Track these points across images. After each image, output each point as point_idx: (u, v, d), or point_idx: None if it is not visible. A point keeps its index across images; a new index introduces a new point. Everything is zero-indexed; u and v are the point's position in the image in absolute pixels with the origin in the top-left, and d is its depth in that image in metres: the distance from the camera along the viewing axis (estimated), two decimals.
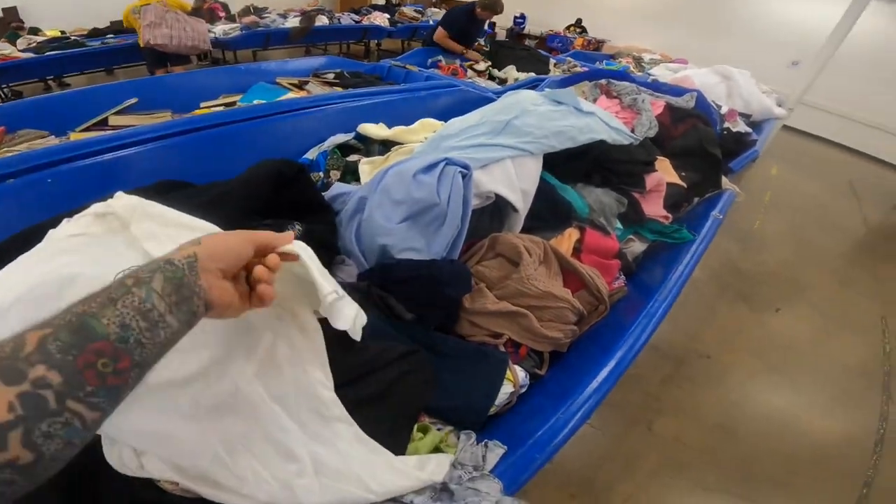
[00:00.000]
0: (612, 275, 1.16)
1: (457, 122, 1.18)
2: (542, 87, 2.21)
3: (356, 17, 5.92)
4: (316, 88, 2.50)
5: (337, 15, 5.91)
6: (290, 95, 2.31)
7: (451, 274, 0.81)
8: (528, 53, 3.44)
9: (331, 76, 2.75)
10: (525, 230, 1.07)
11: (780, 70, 6.22)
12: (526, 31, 6.66)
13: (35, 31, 4.64)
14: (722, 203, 1.64)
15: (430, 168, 0.85)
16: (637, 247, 1.40)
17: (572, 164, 1.25)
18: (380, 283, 0.75)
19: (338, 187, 1.00)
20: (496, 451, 0.72)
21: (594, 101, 1.83)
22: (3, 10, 5.36)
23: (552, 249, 1.02)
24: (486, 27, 3.86)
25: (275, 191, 0.80)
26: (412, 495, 0.63)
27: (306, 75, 2.75)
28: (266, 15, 5.45)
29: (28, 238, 0.78)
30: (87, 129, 1.85)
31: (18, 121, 1.97)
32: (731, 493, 1.52)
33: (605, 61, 4.13)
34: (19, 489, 0.28)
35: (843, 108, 6.63)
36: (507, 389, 0.82)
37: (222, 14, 5.26)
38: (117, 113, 1.97)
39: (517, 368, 0.86)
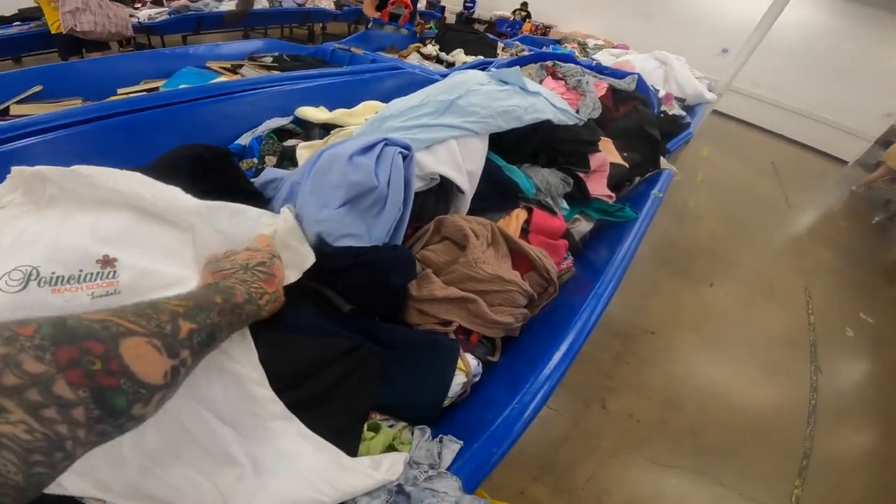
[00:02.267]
0: (561, 255, 1.16)
1: (399, 103, 1.13)
2: (490, 69, 2.19)
3: (299, 0, 5.62)
4: (250, 72, 2.34)
5: None
6: (222, 80, 2.14)
7: (394, 259, 0.77)
8: (476, 37, 3.42)
9: (268, 60, 2.59)
10: (472, 212, 1.04)
11: (711, 57, 6.60)
12: (476, 15, 6.63)
13: None
14: (661, 182, 1.69)
15: (367, 149, 0.79)
16: (583, 226, 1.42)
17: (518, 145, 1.23)
18: (316, 274, 0.70)
19: (269, 172, 0.92)
20: (452, 446, 0.69)
21: (540, 82, 1.83)
22: None
23: (500, 231, 0.99)
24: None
25: (193, 179, 0.72)
26: (366, 498, 0.59)
27: (241, 59, 2.57)
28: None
29: None
30: None
31: None
32: (685, 467, 1.61)
33: (551, 46, 4.19)
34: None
35: (766, 95, 7.16)
36: (459, 380, 0.79)
37: None
38: (20, 101, 1.74)
39: (469, 357, 0.83)
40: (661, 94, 2.57)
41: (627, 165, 1.62)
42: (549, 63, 1.93)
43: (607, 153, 1.56)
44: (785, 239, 3.81)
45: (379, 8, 3.50)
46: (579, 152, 1.39)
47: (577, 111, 1.66)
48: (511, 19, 6.18)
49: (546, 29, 6.08)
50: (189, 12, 4.66)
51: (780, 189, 4.98)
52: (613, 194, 1.50)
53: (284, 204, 0.77)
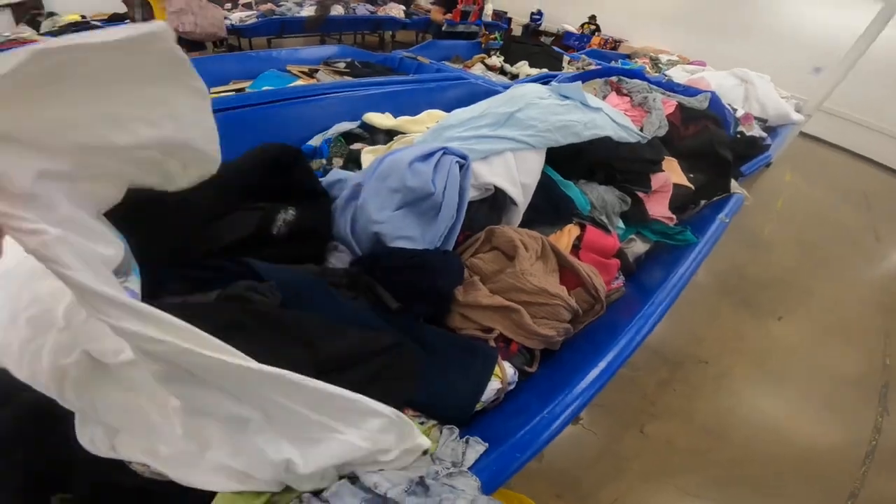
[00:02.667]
0: (612, 274, 1.14)
1: (459, 113, 1.17)
2: (553, 83, 2.19)
3: (371, 8, 5.91)
4: (326, 77, 2.50)
5: (352, 5, 5.89)
6: (300, 83, 2.31)
7: (443, 264, 0.80)
8: (542, 50, 3.41)
9: (341, 65, 2.74)
10: (524, 224, 1.06)
11: (801, 76, 6.08)
12: (542, 27, 6.59)
13: (51, 15, 4.69)
14: (729, 207, 1.61)
15: (426, 157, 0.83)
16: (639, 247, 1.37)
17: (576, 160, 1.23)
18: (370, 271, 0.75)
19: (335, 174, 1.00)
20: (476, 448, 0.71)
21: (604, 98, 1.80)
22: None
23: (550, 245, 1.00)
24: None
25: (270, 175, 0.80)
26: (387, 484, 0.62)
27: (317, 63, 2.75)
28: (282, 3, 5.46)
29: None
30: None
31: None
32: (718, 499, 1.51)
33: (620, 61, 4.08)
34: None
35: (861, 117, 6.48)
36: (494, 385, 0.80)
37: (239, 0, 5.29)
38: None
39: (506, 365, 0.84)
40: (740, 113, 2.42)
41: (693, 187, 1.55)
42: (614, 79, 1.89)
43: (671, 173, 1.51)
44: (868, 275, 3.43)
45: (447, 10, 3.58)
46: (640, 171, 1.35)
47: (642, 129, 1.61)
48: (579, 32, 6.07)
49: (616, 43, 5.90)
50: (274, 16, 5.04)
51: (869, 221, 4.49)
52: (674, 216, 1.44)
53: (347, 204, 0.83)
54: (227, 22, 4.24)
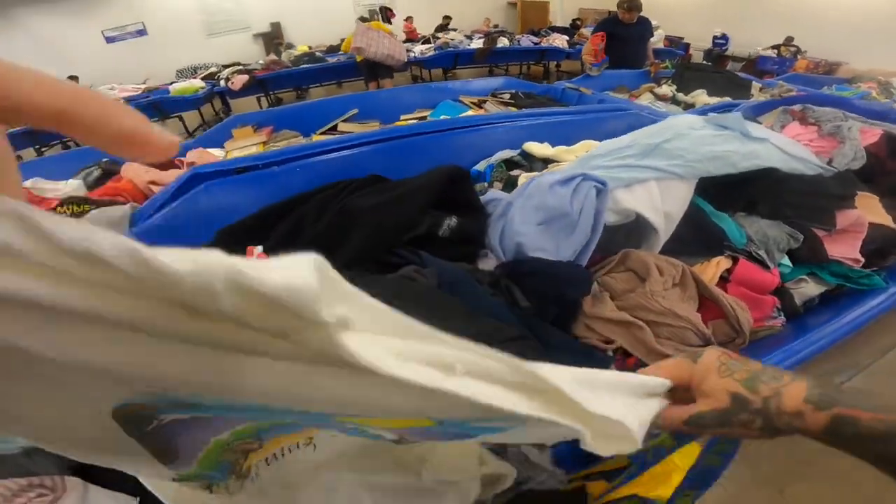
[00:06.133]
0: (765, 312, 1.08)
1: (608, 144, 1.26)
2: (736, 112, 2.04)
3: (535, 39, 6.20)
4: (492, 107, 2.79)
5: (517, 37, 6.28)
6: (470, 113, 2.64)
7: (572, 274, 0.92)
8: (724, 77, 3.14)
9: (506, 96, 3.02)
10: (669, 252, 1.08)
11: None
12: (729, 52, 5.94)
13: (290, 45, 6.01)
14: None
15: (567, 181, 0.97)
16: (810, 289, 1.22)
17: (733, 192, 1.19)
18: (509, 273, 0.91)
19: (492, 193, 1.21)
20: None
21: (782, 127, 1.64)
22: (271, 24, 7.04)
23: (691, 274, 1.02)
24: (644, 34, 3.67)
25: (444, 190, 1.04)
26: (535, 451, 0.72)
27: (485, 94, 3.08)
28: (453, 37, 6.17)
29: (277, 209, 1.17)
30: (323, 133, 2.48)
31: (281, 122, 2.74)
32: None
33: (835, 86, 3.46)
34: None
35: None
36: None
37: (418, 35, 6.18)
38: (344, 121, 2.57)
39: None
40: None
41: None
42: (797, 107, 1.70)
43: (868, 211, 1.30)
44: None
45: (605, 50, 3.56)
46: (821, 206, 1.22)
47: (831, 160, 1.43)
48: (777, 56, 5.27)
49: (831, 66, 4.91)
50: (448, 49, 5.73)
51: None
52: (862, 259, 1.24)
53: (499, 219, 1.02)
54: (411, 55, 5.00)
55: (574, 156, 1.55)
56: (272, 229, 1.02)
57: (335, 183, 1.28)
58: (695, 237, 1.14)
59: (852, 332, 1.04)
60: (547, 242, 0.95)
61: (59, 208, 1.53)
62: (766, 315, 1.09)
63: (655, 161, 1.08)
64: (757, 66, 5.08)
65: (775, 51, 5.33)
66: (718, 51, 5.93)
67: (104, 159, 2.22)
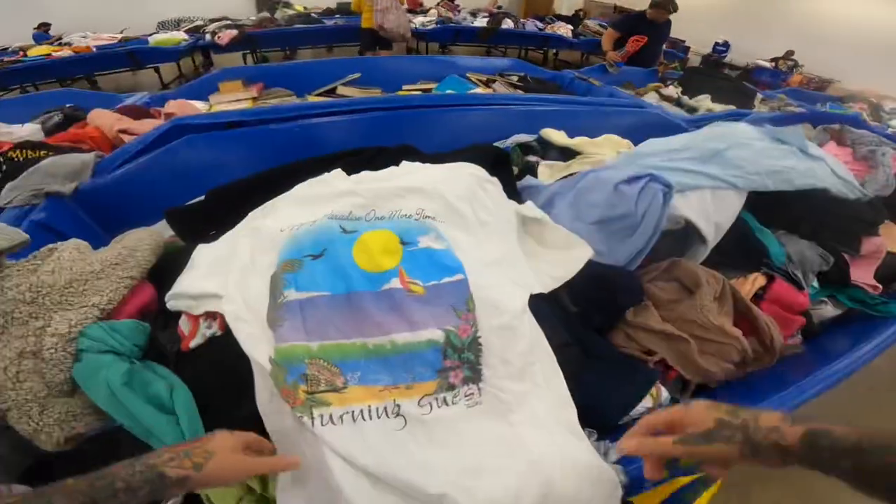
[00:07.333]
0: (792, 331, 1.07)
1: (657, 143, 1.16)
2: (746, 122, 2.00)
3: (540, 25, 6.02)
4: (501, 88, 2.65)
5: (522, 21, 6.07)
6: (479, 91, 2.49)
7: (627, 283, 0.83)
8: (729, 84, 3.12)
9: (514, 78, 2.88)
10: (706, 263, 1.02)
11: None
12: (727, 59, 5.96)
13: (287, 5, 5.55)
14: None
15: (632, 180, 0.86)
16: (828, 311, 1.23)
17: (779, 209, 1.13)
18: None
19: (528, 180, 1.09)
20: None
21: (819, 146, 1.61)
22: None
23: (731, 288, 0.97)
24: (664, 35, 3.60)
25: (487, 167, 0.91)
26: None
27: (493, 73, 2.93)
28: (459, 11, 5.89)
29: (288, 173, 1.02)
30: (320, 94, 2.26)
31: (272, 80, 2.50)
32: None
33: (829, 104, 3.51)
34: None
35: None
36: (646, 404, 0.83)
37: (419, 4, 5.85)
38: (344, 84, 2.36)
39: (663, 388, 0.86)
40: None
41: None
42: (836, 126, 1.66)
43: (888, 239, 1.31)
44: None
45: (617, 45, 3.47)
46: (853, 231, 1.19)
47: (863, 184, 1.41)
48: (773, 68, 5.33)
49: (823, 83, 4.99)
50: (451, 24, 5.47)
51: None
52: (879, 285, 1.25)
53: (544, 208, 0.91)
54: (411, 25, 4.72)
55: (602, 149, 1.45)
56: (274, 193, 0.86)
57: (360, 149, 1.13)
58: (735, 250, 1.08)
59: (874, 358, 1.04)
60: (599, 244, 0.85)
61: (11, 153, 1.34)
62: (790, 334, 1.07)
63: (713, 169, 0.99)
64: (752, 76, 5.12)
65: (773, 63, 5.39)
66: (717, 57, 5.93)
67: (68, 105, 1.98)
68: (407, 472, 0.56)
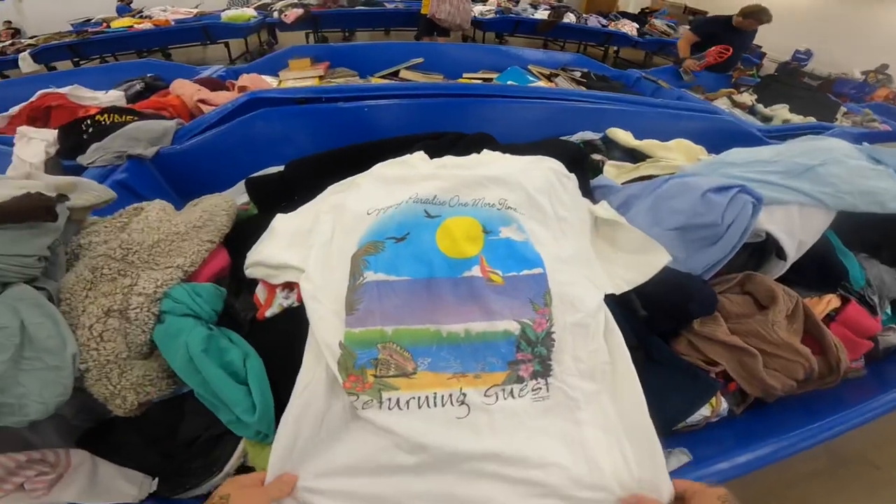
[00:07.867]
0: (858, 355, 1.03)
1: (741, 153, 1.10)
2: (825, 135, 1.86)
3: (603, 21, 5.78)
4: (564, 83, 2.59)
5: (584, 16, 5.87)
6: (541, 84, 2.44)
7: (701, 292, 0.82)
8: (810, 94, 2.91)
9: (577, 74, 2.80)
10: (781, 280, 0.98)
11: None
12: (807, 68, 5.53)
13: None
14: None
15: (721, 190, 0.83)
16: (893, 338, 1.15)
17: (863, 231, 1.07)
18: None
19: (602, 179, 1.06)
20: (680, 457, 0.73)
21: None
22: None
23: (804, 308, 0.93)
24: (748, 44, 3.37)
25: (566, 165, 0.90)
26: None
27: (555, 68, 2.86)
28: (518, 2, 5.75)
29: (368, 151, 1.04)
30: (383, 76, 2.29)
31: (337, 59, 2.55)
32: None
33: None
34: None
35: None
36: (704, 412, 0.82)
37: None
38: (407, 68, 2.38)
39: (723, 399, 0.86)
40: None
41: None
42: None
43: None
44: None
45: (694, 50, 3.28)
46: None
47: None
48: (862, 81, 4.90)
49: None
50: (510, 14, 5.35)
51: None
52: None
53: (616, 210, 0.89)
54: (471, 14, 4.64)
55: (673, 154, 1.39)
56: (354, 170, 0.88)
57: (440, 134, 1.15)
58: (811, 269, 1.02)
59: None
60: (678, 250, 0.82)
61: (99, 116, 1.43)
62: (856, 358, 1.04)
63: (804, 184, 0.94)
64: (834, 87, 4.74)
65: (864, 75, 4.96)
66: (797, 65, 5.51)
67: (149, 74, 2.11)
68: (466, 459, 0.58)
